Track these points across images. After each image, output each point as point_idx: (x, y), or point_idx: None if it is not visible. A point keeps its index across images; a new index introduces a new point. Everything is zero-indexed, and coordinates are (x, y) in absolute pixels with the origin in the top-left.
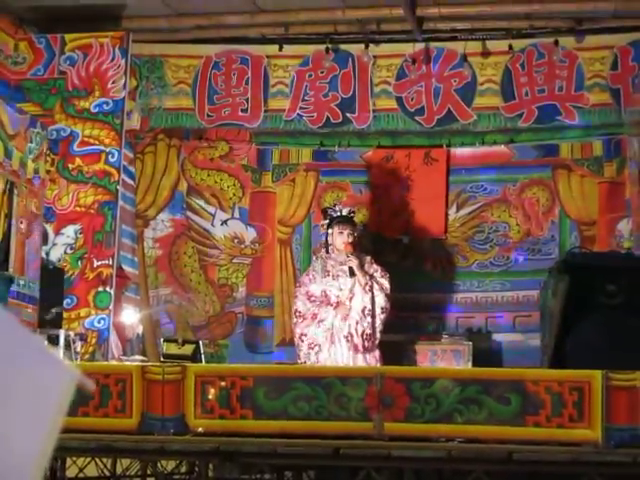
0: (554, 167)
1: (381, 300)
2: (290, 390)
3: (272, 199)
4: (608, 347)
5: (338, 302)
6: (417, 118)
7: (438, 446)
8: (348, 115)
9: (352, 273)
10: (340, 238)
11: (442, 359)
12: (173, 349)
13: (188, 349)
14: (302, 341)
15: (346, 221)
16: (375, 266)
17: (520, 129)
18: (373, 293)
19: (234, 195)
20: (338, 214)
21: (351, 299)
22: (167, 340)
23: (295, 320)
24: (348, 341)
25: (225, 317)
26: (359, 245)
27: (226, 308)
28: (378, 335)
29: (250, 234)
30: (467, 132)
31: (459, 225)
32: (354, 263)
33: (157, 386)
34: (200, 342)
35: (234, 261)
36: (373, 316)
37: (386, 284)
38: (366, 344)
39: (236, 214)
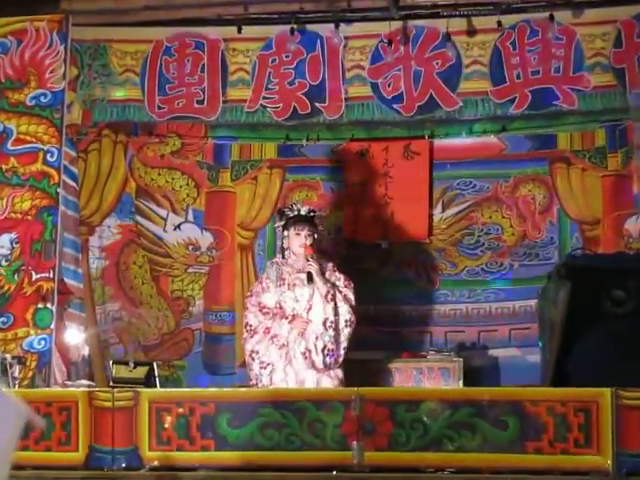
0: (551, 160)
1: (345, 312)
2: (257, 416)
3: (231, 200)
4: (617, 361)
5: (294, 315)
6: (395, 106)
7: (426, 477)
8: (317, 105)
9: (310, 279)
10: (297, 240)
11: (429, 378)
12: (123, 372)
13: (140, 372)
14: (253, 359)
15: (304, 221)
16: (338, 274)
17: (512, 116)
18: (336, 303)
19: (188, 196)
20: (295, 213)
21: (309, 311)
22: (116, 362)
23: (245, 335)
24: (306, 358)
25: (181, 335)
26: (331, 251)
27: (182, 324)
28: (342, 352)
29: (206, 239)
30: (452, 121)
31: (445, 227)
32: (314, 268)
33: (106, 414)
34: (154, 364)
35: (189, 271)
36: (336, 329)
37: (350, 295)
38: (327, 360)
39: (190, 217)
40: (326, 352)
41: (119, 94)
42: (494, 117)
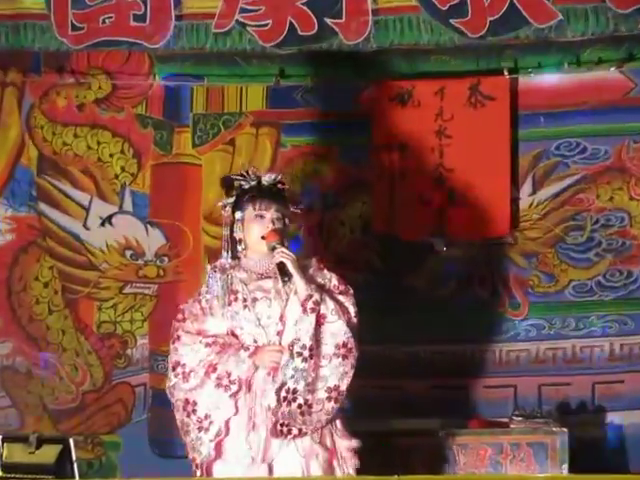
0: None
1: (339, 330)
2: None
3: (194, 177)
4: None
5: (257, 347)
6: (454, 22)
7: None
8: (329, 22)
9: (284, 273)
10: (258, 227)
11: (513, 461)
12: (20, 454)
13: (48, 454)
14: (189, 416)
15: (269, 196)
16: (327, 273)
17: None
18: (319, 315)
19: (124, 171)
20: (253, 184)
21: (282, 335)
22: (8, 438)
23: (174, 380)
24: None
25: (113, 393)
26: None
27: (114, 377)
28: (323, 395)
29: (154, 241)
30: (547, 45)
31: (539, 217)
32: (288, 257)
33: None
34: (69, 440)
35: (127, 291)
36: (314, 357)
37: (349, 305)
38: (285, 409)
39: (128, 205)
40: (284, 394)
41: (9, 7)
42: (615, 38)
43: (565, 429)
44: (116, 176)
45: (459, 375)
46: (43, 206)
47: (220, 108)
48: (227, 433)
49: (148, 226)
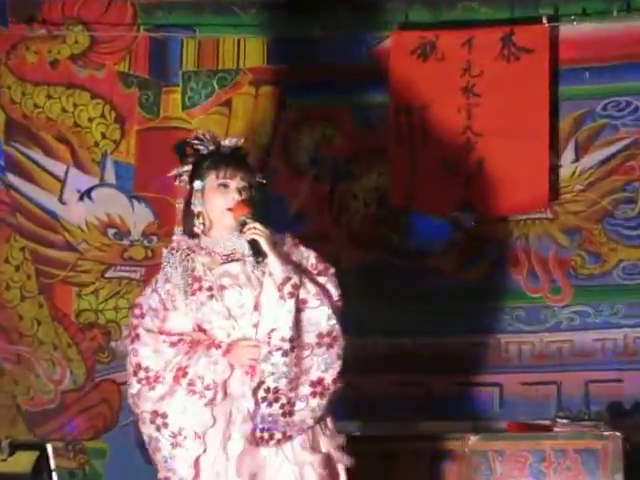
0: None
1: (322, 317)
2: None
3: None
4: None
5: (231, 343)
6: None
7: None
8: None
9: (256, 252)
10: (222, 197)
11: (558, 469)
12: None
13: (23, 461)
14: (159, 430)
15: (232, 163)
16: (305, 250)
17: None
18: (298, 300)
19: (104, 137)
20: (212, 149)
21: (258, 326)
22: None
23: (137, 388)
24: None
25: (96, 393)
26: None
27: (97, 374)
28: (307, 391)
29: (140, 217)
30: None
31: (582, 187)
32: (262, 234)
33: None
34: (47, 446)
35: (109, 275)
36: (295, 349)
37: (331, 287)
38: (266, 412)
39: (110, 177)
40: (262, 395)
41: None
42: None
43: (618, 433)
44: (96, 143)
45: (492, 370)
46: (12, 178)
47: (214, 64)
48: (205, 448)
49: (133, 201)
